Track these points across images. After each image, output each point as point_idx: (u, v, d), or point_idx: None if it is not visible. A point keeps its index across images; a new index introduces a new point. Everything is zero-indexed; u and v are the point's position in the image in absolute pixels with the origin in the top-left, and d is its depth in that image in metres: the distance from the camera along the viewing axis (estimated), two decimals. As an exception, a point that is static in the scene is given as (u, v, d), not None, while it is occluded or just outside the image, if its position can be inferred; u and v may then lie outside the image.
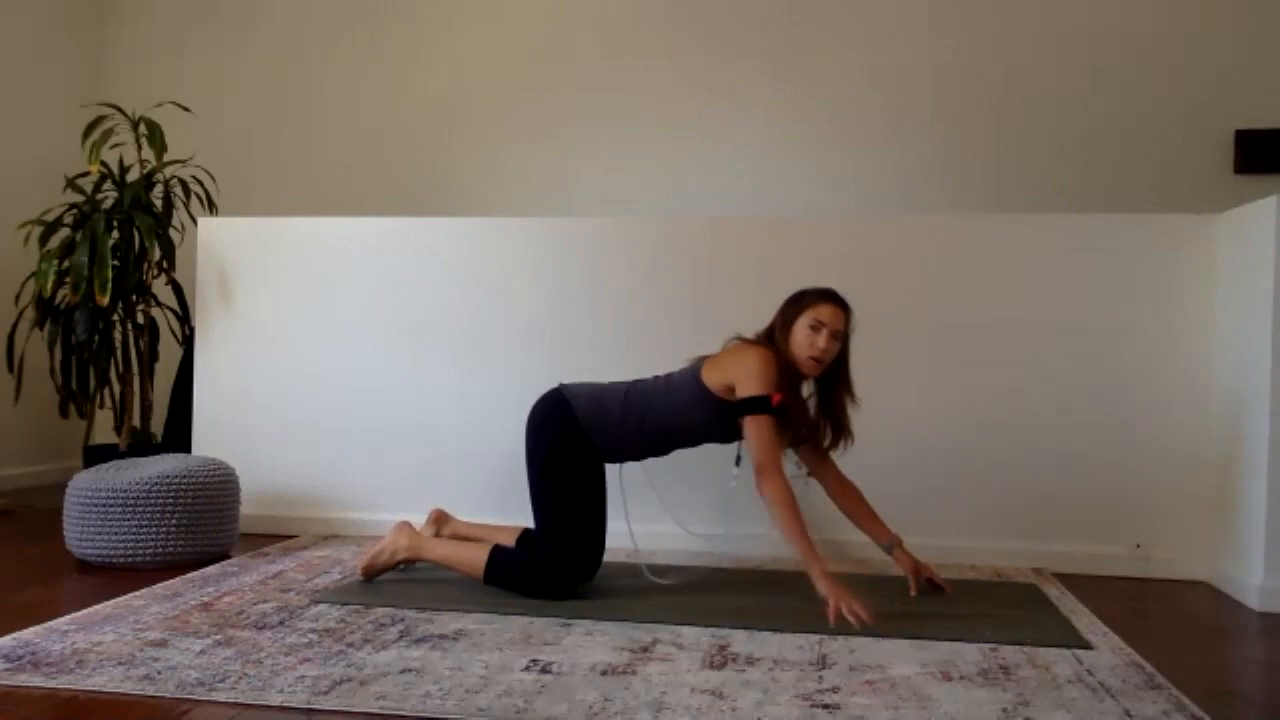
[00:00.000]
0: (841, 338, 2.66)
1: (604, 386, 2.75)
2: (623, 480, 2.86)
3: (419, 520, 3.00)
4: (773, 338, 2.67)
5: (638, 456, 2.78)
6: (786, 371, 2.63)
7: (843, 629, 2.38)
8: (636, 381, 2.76)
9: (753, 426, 2.56)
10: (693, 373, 2.69)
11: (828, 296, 2.66)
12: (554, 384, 2.80)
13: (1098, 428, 3.22)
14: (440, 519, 2.96)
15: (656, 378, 2.76)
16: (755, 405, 2.55)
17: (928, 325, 3.31)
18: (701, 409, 2.65)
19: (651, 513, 3.19)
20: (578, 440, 2.67)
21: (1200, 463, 3.15)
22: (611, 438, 2.68)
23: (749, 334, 2.73)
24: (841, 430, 2.75)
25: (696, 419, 2.68)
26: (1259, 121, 4.17)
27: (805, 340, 2.62)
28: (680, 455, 2.83)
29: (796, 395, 2.70)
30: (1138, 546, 3.18)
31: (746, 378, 2.58)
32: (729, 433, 2.71)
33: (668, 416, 2.68)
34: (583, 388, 2.75)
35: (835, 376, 2.70)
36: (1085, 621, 2.54)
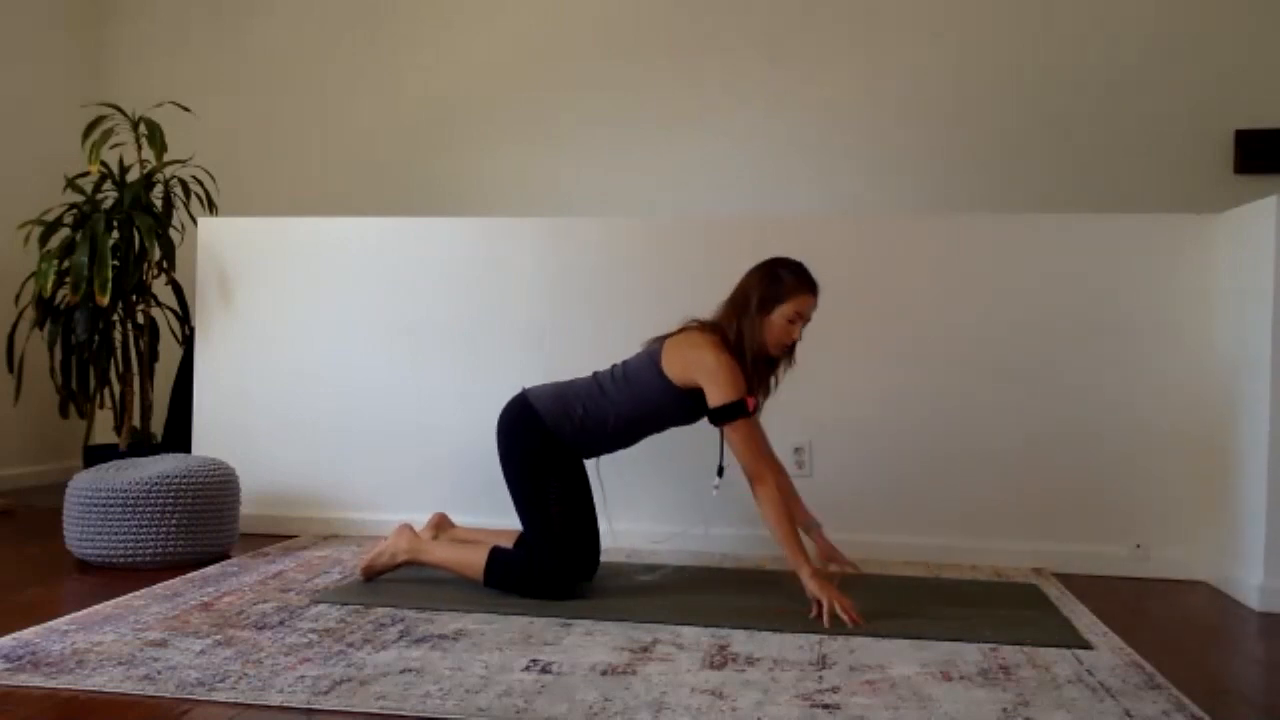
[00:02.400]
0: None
1: (566, 384, 2.75)
2: (599, 480, 2.85)
3: (420, 520, 3.00)
4: (737, 314, 2.61)
5: (608, 449, 2.77)
6: (750, 349, 2.59)
7: (840, 629, 2.38)
8: (596, 374, 2.75)
9: (735, 434, 2.54)
10: (651, 360, 2.65)
11: (807, 286, 2.61)
12: (521, 388, 2.80)
13: (1098, 428, 3.22)
14: (440, 524, 2.96)
15: (614, 367, 2.74)
16: (733, 412, 2.54)
17: (927, 325, 3.31)
18: (663, 396, 2.64)
19: (652, 512, 3.19)
20: (548, 441, 2.66)
21: (1200, 463, 3.15)
22: (579, 434, 2.67)
23: (705, 314, 2.69)
24: (768, 388, 2.73)
25: (659, 406, 2.66)
26: (1259, 121, 4.17)
27: (783, 330, 2.59)
28: (675, 454, 2.83)
29: (755, 369, 2.65)
30: (1138, 546, 3.18)
31: (715, 385, 2.54)
32: (691, 417, 2.71)
33: (630, 406, 2.66)
34: (545, 388, 2.74)
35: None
36: (1085, 621, 2.54)
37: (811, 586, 2.46)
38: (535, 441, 2.67)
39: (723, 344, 2.60)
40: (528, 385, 2.80)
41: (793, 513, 2.78)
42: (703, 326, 2.66)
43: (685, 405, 2.65)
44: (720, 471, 2.71)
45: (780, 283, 2.61)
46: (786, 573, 3.00)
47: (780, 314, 2.59)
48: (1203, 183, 4.17)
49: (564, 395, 2.70)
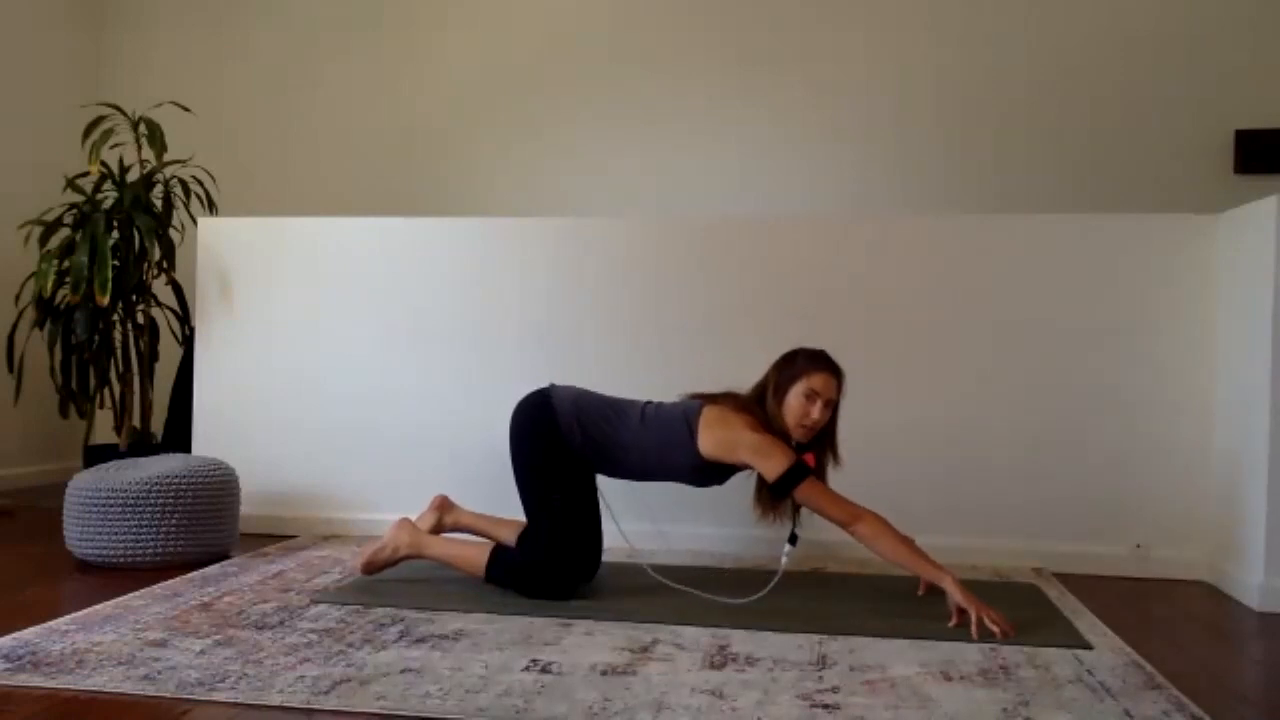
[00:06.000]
0: (833, 405, 2.63)
1: (590, 396, 2.73)
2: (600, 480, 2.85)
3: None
4: (764, 399, 2.63)
5: (612, 473, 2.75)
6: (776, 433, 2.60)
7: (841, 628, 2.38)
8: (625, 403, 2.72)
9: (807, 495, 2.52)
10: (685, 422, 2.62)
11: (821, 364, 2.61)
12: (548, 384, 2.80)
13: (1098, 428, 3.22)
14: (444, 506, 2.93)
15: (646, 405, 2.71)
16: (796, 478, 2.51)
17: (928, 325, 3.31)
18: (688, 461, 2.63)
19: (660, 513, 3.19)
20: (557, 443, 2.65)
21: (1200, 463, 3.16)
22: (589, 449, 2.66)
23: (737, 377, 2.69)
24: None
25: (680, 467, 2.65)
26: (1259, 121, 4.17)
27: (799, 409, 2.58)
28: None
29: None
30: (1138, 546, 3.18)
31: (766, 460, 2.53)
32: (707, 483, 2.71)
33: (649, 454, 2.65)
34: (569, 391, 2.73)
35: (821, 439, 2.66)
36: (1085, 621, 2.54)
37: (957, 597, 2.41)
38: (545, 441, 2.66)
39: (758, 424, 2.60)
40: (539, 384, 2.80)
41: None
42: (738, 406, 2.64)
43: (704, 473, 2.66)
44: (794, 539, 2.67)
45: (794, 363, 2.63)
46: (786, 572, 3.01)
47: (795, 392, 2.59)
48: (1203, 183, 4.17)
49: (584, 405, 2.69)
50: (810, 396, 2.58)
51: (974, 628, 2.34)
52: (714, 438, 2.59)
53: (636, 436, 2.65)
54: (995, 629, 2.33)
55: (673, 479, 2.73)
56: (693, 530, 3.33)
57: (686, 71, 4.62)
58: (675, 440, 2.62)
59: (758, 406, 2.64)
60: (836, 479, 2.71)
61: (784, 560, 2.67)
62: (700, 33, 4.63)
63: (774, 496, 2.61)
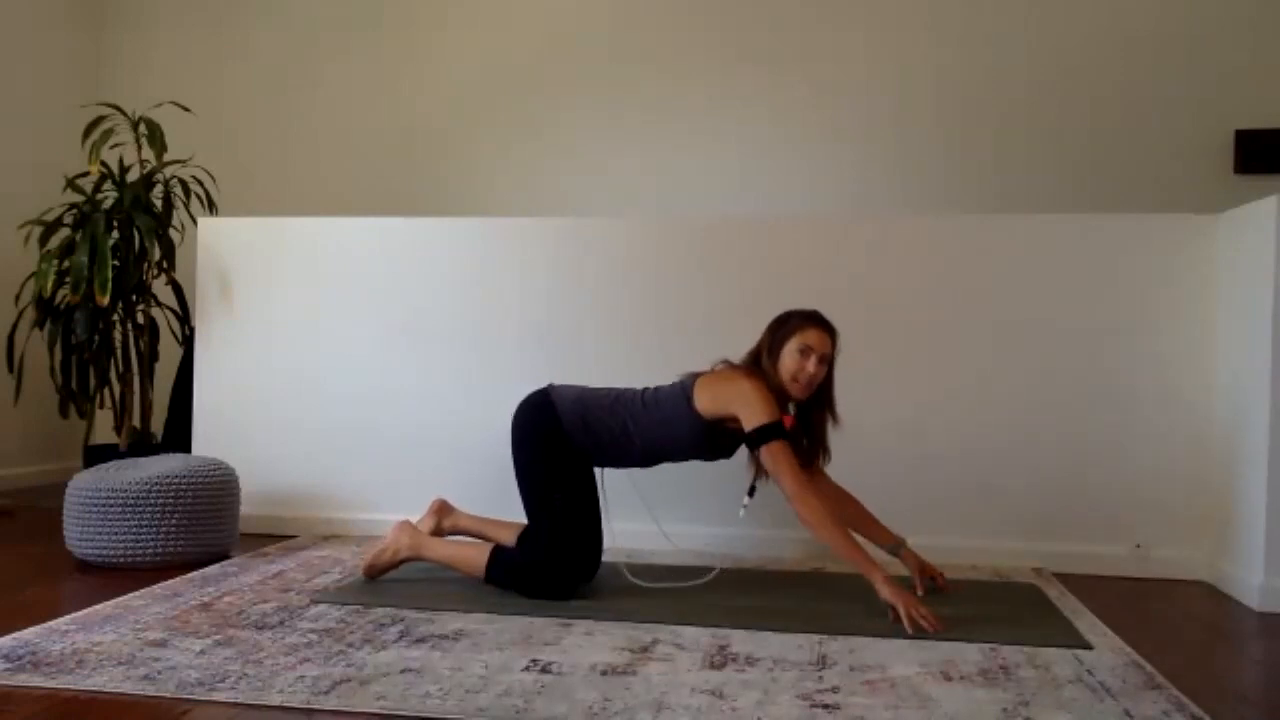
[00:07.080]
0: (828, 361, 2.64)
1: (592, 391, 2.74)
2: (602, 478, 2.84)
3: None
4: (759, 361, 2.65)
5: (619, 465, 2.76)
6: (776, 395, 2.62)
7: (841, 628, 2.38)
8: (625, 391, 2.74)
9: (771, 456, 2.52)
10: (683, 393, 2.65)
11: (814, 320, 2.64)
12: (548, 384, 2.80)
13: (1098, 428, 3.22)
14: (442, 510, 2.95)
15: (645, 390, 2.73)
16: (769, 433, 2.52)
17: (928, 325, 3.31)
18: (690, 430, 2.64)
19: (669, 514, 3.19)
20: (560, 441, 2.66)
21: (1200, 463, 3.15)
22: (593, 444, 2.67)
23: (735, 358, 2.70)
24: (819, 448, 2.72)
25: (684, 439, 2.67)
26: (1259, 121, 4.17)
27: (794, 365, 2.59)
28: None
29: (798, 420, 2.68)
30: (1138, 546, 3.18)
31: (749, 409, 2.55)
32: (714, 453, 2.72)
33: (653, 434, 2.66)
34: (570, 390, 2.74)
35: (818, 399, 2.68)
36: (1085, 621, 2.53)
37: (885, 593, 2.42)
38: (547, 439, 2.67)
39: (756, 368, 2.62)
40: (539, 384, 2.81)
41: (872, 535, 2.76)
42: (734, 366, 2.68)
43: (708, 439, 2.66)
44: (751, 492, 2.69)
45: (788, 322, 2.65)
46: (787, 572, 3.01)
47: (789, 349, 2.61)
48: (1203, 183, 4.17)
49: (586, 401, 2.70)
50: (804, 352, 2.59)
51: (906, 623, 2.35)
52: (709, 394, 2.62)
53: (640, 422, 2.66)
54: (925, 625, 2.34)
55: (681, 455, 2.74)
56: (696, 530, 3.33)
57: (686, 71, 4.62)
58: (676, 414, 2.64)
59: (755, 366, 2.66)
60: (837, 472, 2.71)
61: (741, 513, 2.68)
62: (700, 33, 4.63)
63: (748, 446, 2.61)
